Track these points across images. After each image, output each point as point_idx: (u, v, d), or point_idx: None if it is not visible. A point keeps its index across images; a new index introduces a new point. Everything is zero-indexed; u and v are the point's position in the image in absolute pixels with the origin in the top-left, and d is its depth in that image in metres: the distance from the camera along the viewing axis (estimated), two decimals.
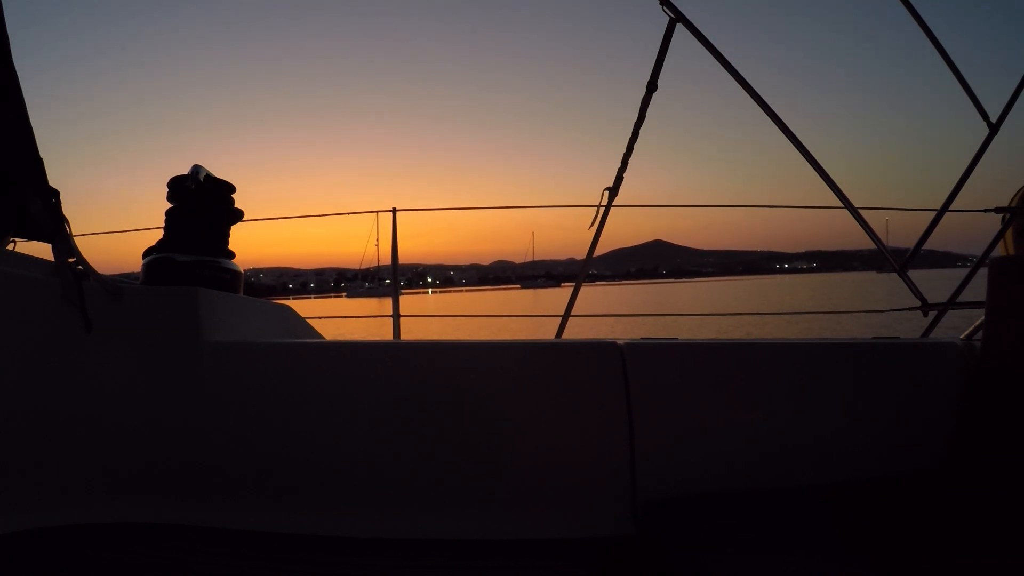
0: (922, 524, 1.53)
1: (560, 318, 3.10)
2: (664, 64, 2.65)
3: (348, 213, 4.30)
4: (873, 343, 2.05)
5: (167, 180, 2.31)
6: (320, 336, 2.64)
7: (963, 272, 2.92)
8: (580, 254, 3.20)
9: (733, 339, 2.11)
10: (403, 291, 3.77)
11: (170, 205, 2.31)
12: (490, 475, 1.96)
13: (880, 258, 2.88)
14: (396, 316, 3.57)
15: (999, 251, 2.71)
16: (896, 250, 2.96)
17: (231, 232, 2.40)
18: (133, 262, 2.34)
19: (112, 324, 2.04)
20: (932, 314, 2.79)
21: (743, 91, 2.62)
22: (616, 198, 2.86)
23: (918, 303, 2.77)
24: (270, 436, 2.02)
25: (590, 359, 1.98)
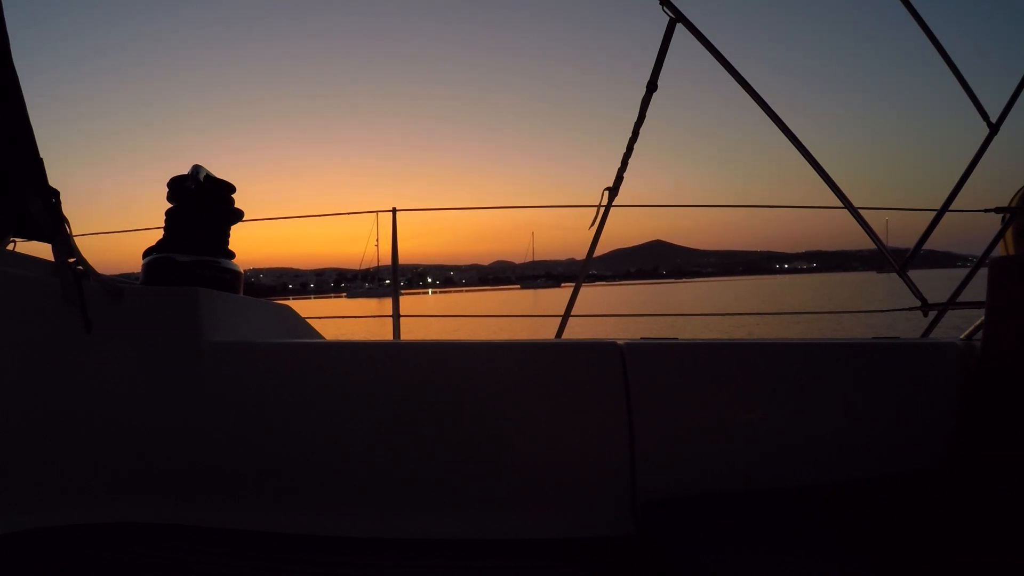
0: (922, 524, 1.53)
1: (560, 318, 3.10)
2: (664, 64, 2.65)
3: (348, 213, 4.30)
4: (873, 343, 2.05)
5: (167, 180, 2.31)
6: (320, 336, 2.64)
7: (963, 272, 2.92)
8: (580, 254, 3.20)
9: (733, 339, 2.11)
10: (403, 291, 3.77)
11: (170, 205, 2.31)
12: (490, 475, 1.96)
13: (880, 258, 2.88)
14: (396, 316, 3.57)
15: (999, 251, 2.71)
16: (896, 250, 2.97)
17: (231, 232, 2.40)
18: (133, 262, 2.34)
19: (112, 324, 2.04)
20: (932, 314, 2.79)
21: (743, 91, 2.62)
22: (616, 198, 2.86)
23: (918, 303, 2.77)
24: (270, 436, 2.02)
25: (590, 359, 1.98)
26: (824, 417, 1.96)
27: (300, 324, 2.63)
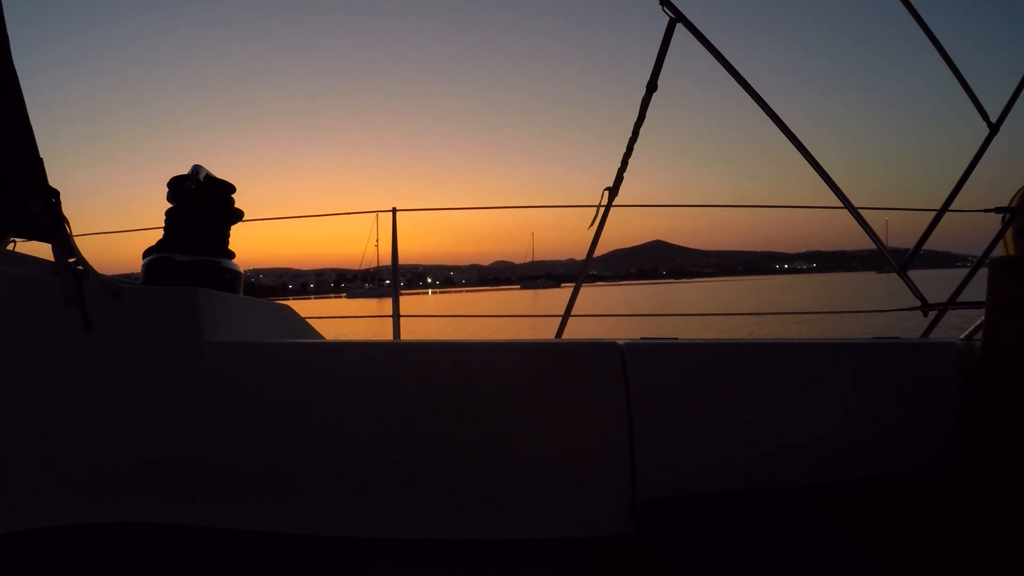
0: (922, 524, 1.53)
1: (560, 318, 3.10)
2: (664, 64, 2.65)
3: (348, 213, 4.30)
4: (873, 343, 2.04)
5: (167, 180, 2.31)
6: (320, 336, 2.64)
7: (963, 272, 2.92)
8: (580, 254, 3.20)
9: (733, 339, 2.11)
10: (403, 291, 3.77)
11: (170, 205, 2.31)
12: (490, 475, 1.96)
13: (880, 258, 2.88)
14: (396, 316, 3.57)
15: (999, 251, 2.71)
16: (896, 250, 2.96)
17: (231, 232, 2.40)
18: (133, 262, 2.34)
19: (112, 324, 2.04)
20: (932, 314, 2.79)
21: (743, 91, 2.62)
22: (616, 198, 2.86)
23: (918, 303, 2.77)
24: (270, 436, 2.02)
25: (590, 359, 1.98)
26: (824, 417, 1.96)
27: (300, 324, 2.63)
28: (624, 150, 2.82)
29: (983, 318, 1.99)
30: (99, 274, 2.06)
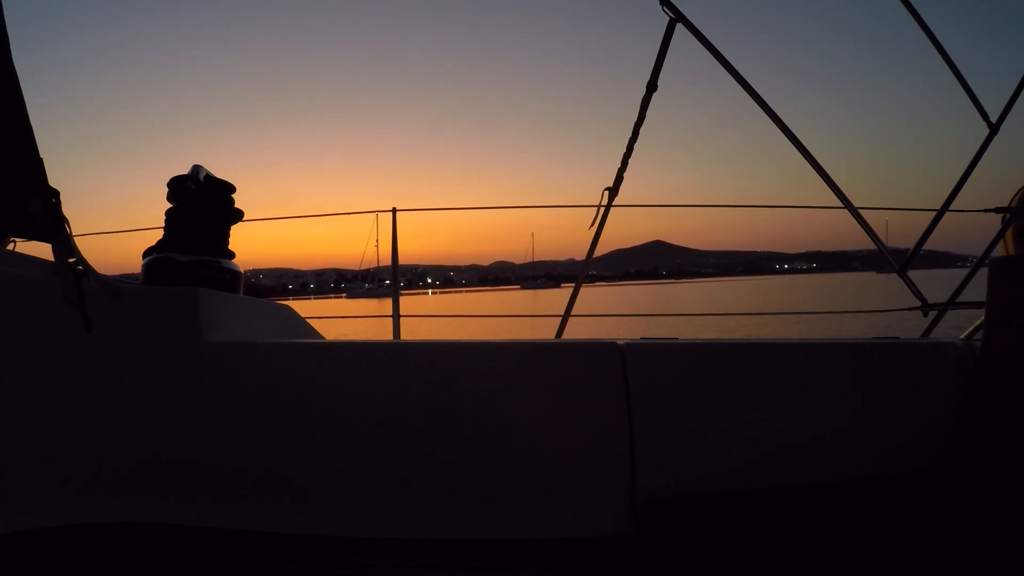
0: (922, 524, 1.53)
1: (560, 318, 3.10)
2: (664, 64, 2.65)
3: (348, 213, 4.30)
4: (873, 343, 2.04)
5: (167, 180, 2.31)
6: (320, 336, 2.64)
7: (963, 272, 2.92)
8: (580, 254, 3.20)
9: (733, 339, 2.11)
10: (403, 292, 3.77)
11: (170, 205, 2.31)
12: (490, 475, 1.96)
13: (880, 258, 2.88)
14: (396, 316, 3.57)
15: (999, 251, 2.71)
16: (896, 250, 2.96)
17: (231, 232, 2.40)
18: (133, 262, 2.34)
19: (112, 324, 2.04)
20: (932, 314, 2.78)
21: (743, 91, 2.62)
22: (616, 198, 2.86)
23: (918, 303, 2.77)
24: (270, 436, 2.02)
25: (590, 359, 1.98)
26: (824, 417, 1.96)
27: (300, 324, 2.63)
28: (624, 150, 2.82)
29: (983, 318, 1.99)
30: (99, 274, 2.06)
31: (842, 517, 1.61)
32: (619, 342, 2.00)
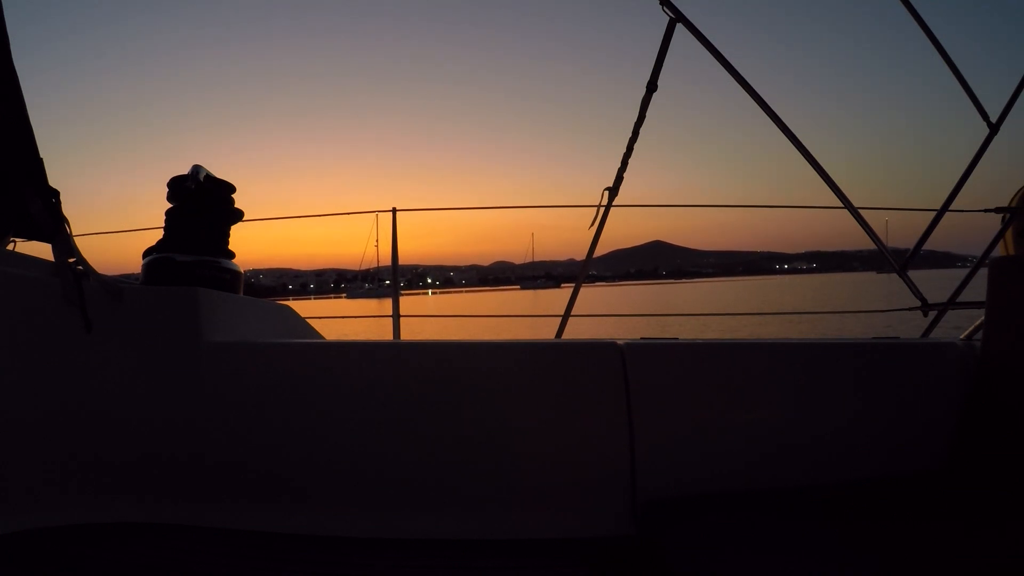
0: (922, 524, 1.53)
1: (560, 318, 3.10)
2: (664, 64, 2.65)
3: (348, 213, 4.30)
4: (873, 343, 2.04)
5: (167, 180, 2.31)
6: (320, 336, 2.64)
7: (963, 272, 2.92)
8: (580, 255, 3.20)
9: (733, 339, 2.11)
10: (403, 292, 3.77)
11: (170, 205, 2.31)
12: (490, 475, 1.96)
13: (880, 258, 2.88)
14: (396, 316, 3.57)
15: (999, 251, 2.71)
16: (896, 250, 2.96)
17: (231, 232, 2.40)
18: (133, 262, 2.34)
19: (112, 324, 2.04)
20: (932, 314, 2.79)
21: (743, 91, 2.62)
22: (616, 198, 2.86)
23: (918, 303, 2.77)
24: (270, 436, 2.02)
25: (590, 359, 1.98)
26: (824, 417, 1.96)
27: (300, 324, 2.63)
28: (624, 150, 2.82)
29: (983, 318, 1.99)
30: (99, 274, 2.06)
31: (842, 517, 1.61)
32: (619, 342, 2.00)
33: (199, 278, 2.17)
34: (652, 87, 2.68)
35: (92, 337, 2.00)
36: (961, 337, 2.27)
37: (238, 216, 2.41)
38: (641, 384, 1.94)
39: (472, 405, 1.98)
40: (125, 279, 2.20)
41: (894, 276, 2.83)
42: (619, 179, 2.83)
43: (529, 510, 1.93)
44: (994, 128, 2.75)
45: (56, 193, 2.02)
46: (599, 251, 3.10)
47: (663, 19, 2.57)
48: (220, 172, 2.37)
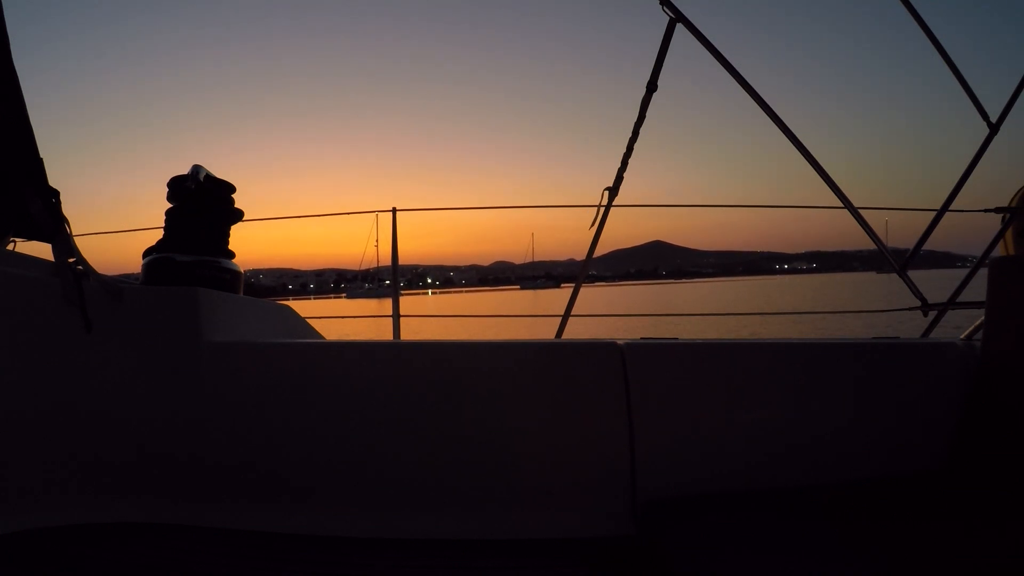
0: (922, 524, 1.53)
1: (560, 318, 3.10)
2: (664, 64, 2.65)
3: (348, 213, 4.30)
4: (873, 343, 2.04)
5: (167, 180, 2.31)
6: (320, 336, 2.64)
7: (963, 272, 2.92)
8: (580, 255, 3.20)
9: (733, 339, 2.11)
10: (403, 292, 3.77)
11: (170, 205, 2.31)
12: (490, 475, 1.96)
13: (880, 258, 2.88)
14: (396, 316, 3.57)
15: (999, 251, 2.71)
16: (896, 250, 2.96)
17: (231, 232, 2.40)
18: (133, 262, 2.34)
19: (112, 324, 2.04)
20: (932, 314, 2.79)
21: (743, 91, 2.62)
22: (616, 198, 2.86)
23: (918, 303, 2.77)
24: (270, 436, 2.02)
25: (590, 359, 1.98)
26: (824, 417, 1.96)
27: (300, 324, 2.63)
28: (624, 150, 2.82)
29: (983, 318, 1.99)
30: (99, 274, 2.06)
31: (842, 517, 1.61)
32: (619, 342, 2.00)
33: (199, 278, 2.17)
34: (652, 87, 2.68)
35: (92, 337, 2.00)
36: (961, 337, 2.27)
37: (238, 216, 2.41)
38: (641, 384, 1.94)
39: (472, 405, 1.98)
40: (125, 279, 2.20)
41: (894, 276, 2.83)
42: (619, 179, 2.83)
43: (529, 510, 1.93)
44: (994, 128, 2.75)
45: (56, 193, 2.02)
46: (599, 251, 3.10)
47: (663, 19, 2.57)
48: (220, 172, 2.38)
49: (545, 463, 1.96)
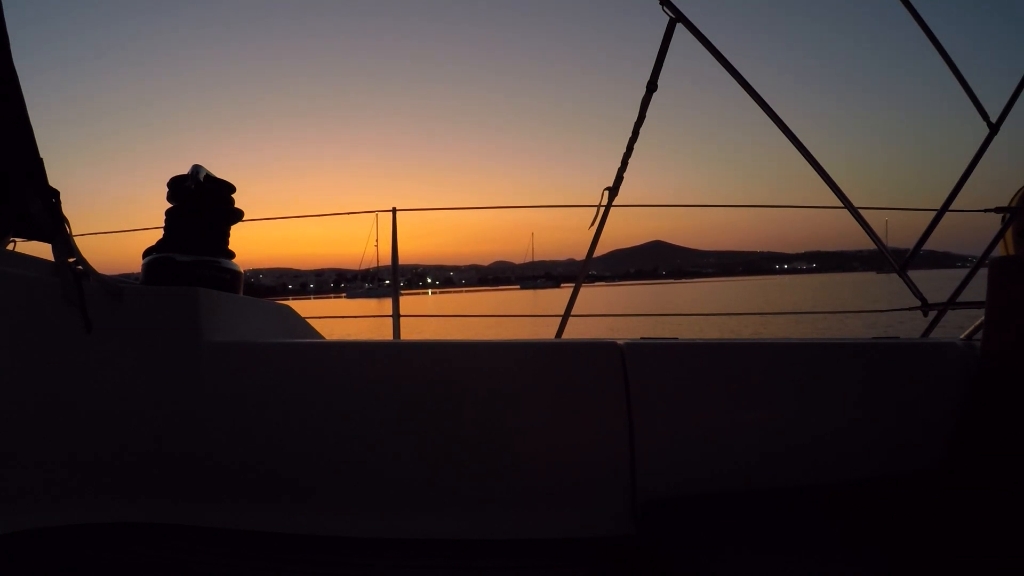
0: (922, 524, 1.53)
1: (560, 318, 3.10)
2: (664, 64, 2.65)
3: (348, 213, 4.30)
4: (873, 343, 2.04)
5: (167, 180, 2.31)
6: (320, 336, 2.64)
7: (963, 272, 2.92)
8: (580, 255, 3.20)
9: (733, 339, 2.11)
10: (403, 292, 3.77)
11: (170, 205, 2.31)
12: (490, 475, 1.96)
13: (880, 258, 2.88)
14: (396, 316, 3.57)
15: (999, 251, 2.71)
16: (896, 250, 2.96)
17: (231, 232, 2.40)
18: (133, 262, 2.34)
19: (112, 324, 2.04)
20: (932, 314, 2.79)
21: (743, 91, 2.62)
22: (616, 198, 2.86)
23: (918, 303, 2.77)
24: (270, 436, 2.02)
25: (590, 359, 1.98)
26: (824, 417, 1.96)
27: (300, 324, 2.63)
28: (624, 150, 2.82)
29: (983, 318, 1.99)
30: (99, 274, 2.06)
31: (842, 517, 1.61)
32: (619, 342, 2.00)
33: (199, 278, 2.17)
34: (652, 87, 2.68)
35: (92, 337, 2.00)
36: (961, 337, 2.27)
37: (238, 216, 2.41)
38: (641, 384, 1.94)
39: (472, 405, 1.98)
40: (125, 279, 2.20)
41: (894, 276, 2.83)
42: (619, 179, 2.83)
43: (529, 510, 1.93)
44: (994, 128, 2.75)
45: (56, 193, 2.02)
46: (599, 251, 3.10)
47: (663, 19, 2.57)
48: (220, 172, 2.38)
49: (545, 463, 1.96)
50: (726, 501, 1.77)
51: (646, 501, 1.86)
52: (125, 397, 2.03)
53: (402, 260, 3.76)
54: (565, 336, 2.79)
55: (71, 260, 2.03)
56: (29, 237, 2.05)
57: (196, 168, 2.28)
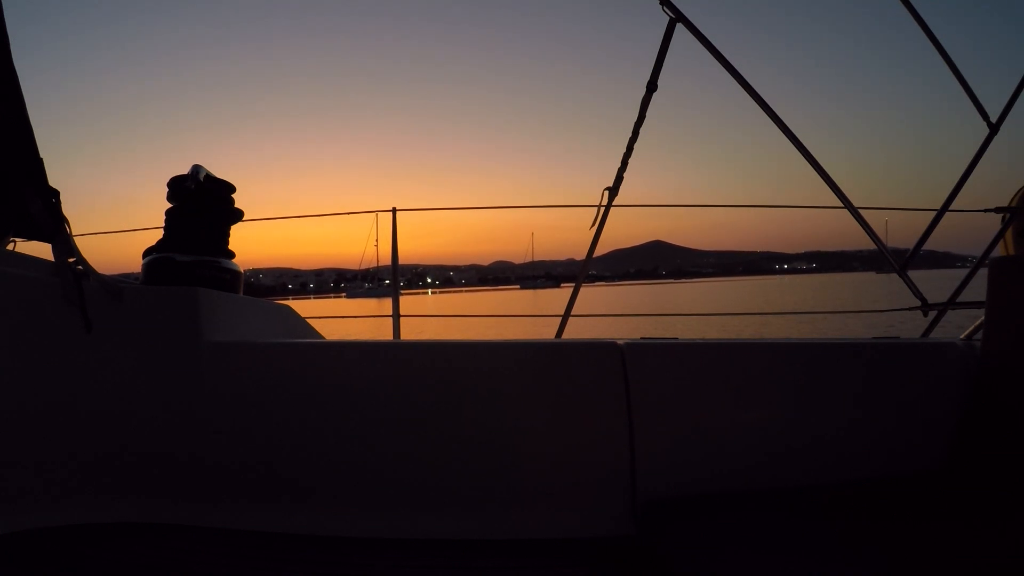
0: (922, 524, 1.53)
1: (560, 318, 3.10)
2: (664, 64, 2.65)
3: (348, 213, 4.30)
4: (873, 343, 2.04)
5: (167, 180, 2.31)
6: (320, 336, 2.64)
7: (963, 272, 2.92)
8: (580, 254, 3.20)
9: (733, 339, 2.11)
10: (403, 291, 3.77)
11: (170, 205, 2.31)
12: (490, 475, 1.96)
13: (880, 258, 2.88)
14: (396, 316, 3.57)
15: (999, 251, 2.71)
16: (896, 250, 2.96)
17: (231, 232, 2.40)
18: (133, 262, 2.34)
19: (112, 324, 2.04)
20: (932, 314, 2.79)
21: (743, 91, 2.62)
22: (616, 198, 2.86)
23: (918, 303, 2.77)
24: (270, 436, 2.02)
25: (590, 359, 1.98)
26: (824, 417, 1.96)
27: (300, 324, 2.63)
28: (624, 150, 2.82)
29: (983, 318, 1.99)
30: (99, 274, 2.06)
31: (842, 517, 1.61)
32: (619, 342, 2.00)
33: (199, 278, 2.17)
34: (652, 87, 2.68)
35: (92, 337, 2.00)
36: (961, 337, 2.27)
37: (238, 216, 2.41)
38: (641, 384, 1.94)
39: (472, 405, 1.98)
40: (125, 279, 2.20)
41: (894, 276, 2.83)
42: (619, 179, 2.83)
43: (529, 510, 1.93)
44: (994, 128, 2.75)
45: (56, 193, 2.02)
46: (599, 251, 3.10)
47: (663, 19, 2.57)
48: (220, 172, 2.38)
49: (545, 463, 1.96)
50: (726, 501, 1.77)
51: (646, 501, 1.86)
52: (125, 397, 2.03)
53: (402, 260, 3.76)
54: (565, 336, 2.79)
55: (71, 260, 2.03)
56: (29, 237, 2.05)
57: (196, 168, 2.28)
